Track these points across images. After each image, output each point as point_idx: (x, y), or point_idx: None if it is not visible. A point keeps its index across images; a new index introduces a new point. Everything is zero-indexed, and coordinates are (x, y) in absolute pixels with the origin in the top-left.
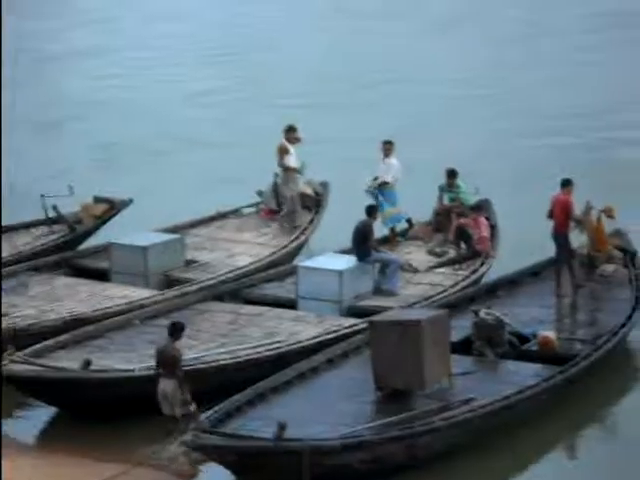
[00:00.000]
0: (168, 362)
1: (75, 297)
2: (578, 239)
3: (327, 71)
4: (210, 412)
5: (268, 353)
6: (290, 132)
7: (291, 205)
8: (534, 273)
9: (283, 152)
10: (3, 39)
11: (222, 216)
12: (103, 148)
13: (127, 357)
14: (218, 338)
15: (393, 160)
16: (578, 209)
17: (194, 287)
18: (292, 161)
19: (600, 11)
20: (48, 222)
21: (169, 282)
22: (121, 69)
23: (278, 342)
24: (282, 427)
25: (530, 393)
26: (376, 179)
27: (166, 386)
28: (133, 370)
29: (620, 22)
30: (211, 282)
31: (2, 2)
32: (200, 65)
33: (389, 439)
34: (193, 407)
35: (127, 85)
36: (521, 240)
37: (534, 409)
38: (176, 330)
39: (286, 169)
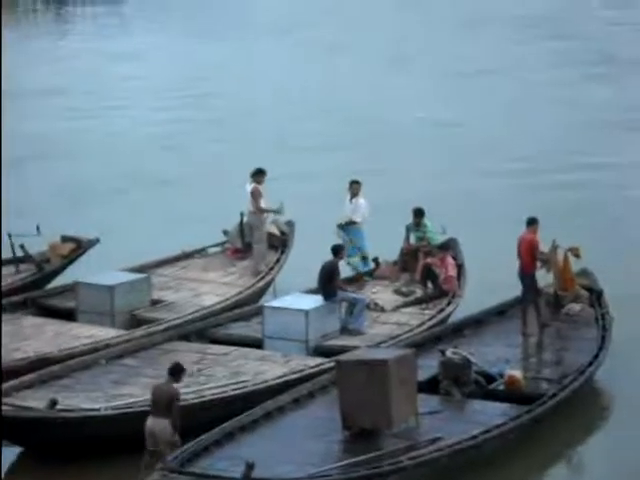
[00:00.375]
0: (163, 401)
1: (41, 337)
2: (544, 278)
3: (287, 110)
4: (177, 452)
5: (234, 392)
6: (260, 175)
7: (262, 250)
8: (500, 312)
9: (258, 196)
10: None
11: (187, 256)
12: (65, 187)
13: (93, 397)
14: (185, 378)
15: (361, 200)
16: (545, 248)
17: (160, 327)
18: (263, 204)
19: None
20: (15, 261)
21: (135, 322)
22: (80, 109)
23: (244, 382)
24: (250, 467)
25: (497, 432)
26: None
27: (155, 425)
28: (99, 409)
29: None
30: (177, 322)
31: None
32: (159, 104)
33: (357, 478)
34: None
35: (86, 124)
36: (488, 279)
37: (501, 448)
38: (177, 371)
39: (261, 211)
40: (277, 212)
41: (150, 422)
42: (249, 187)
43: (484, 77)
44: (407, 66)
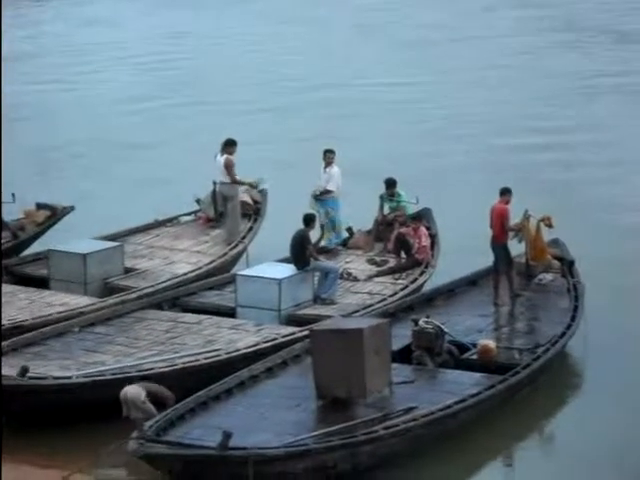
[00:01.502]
0: None
1: (14, 305)
2: (516, 248)
3: (260, 77)
4: (153, 420)
5: (206, 361)
6: (231, 146)
7: (236, 220)
8: (472, 282)
9: (232, 167)
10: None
11: (160, 224)
12: (38, 153)
13: (65, 364)
14: (156, 346)
15: (335, 168)
16: (517, 218)
17: (133, 295)
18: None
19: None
20: None
21: (108, 290)
22: (52, 74)
23: (216, 350)
24: (228, 436)
25: (472, 402)
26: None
27: (128, 391)
28: (70, 377)
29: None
30: (150, 290)
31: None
32: (131, 71)
33: (333, 447)
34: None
35: (58, 89)
36: (461, 249)
37: (475, 418)
38: None
39: (236, 183)
40: (253, 186)
41: (124, 389)
42: (221, 158)
43: (449, 45)
44: (373, 35)
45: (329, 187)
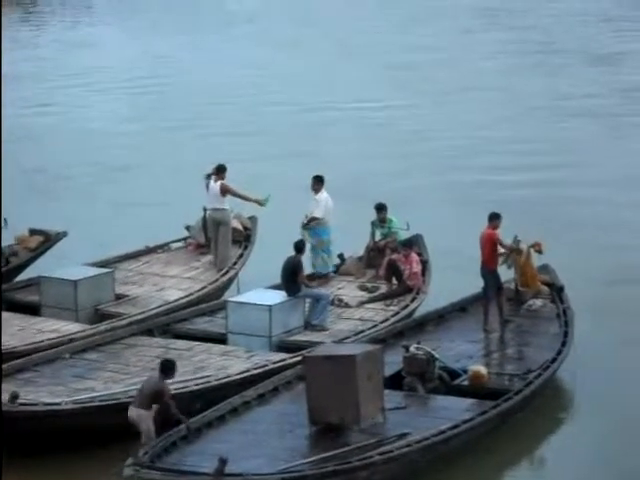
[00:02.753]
0: (148, 394)
1: (6, 331)
2: (506, 274)
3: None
4: (147, 447)
5: (196, 387)
6: (223, 171)
7: (227, 246)
8: (461, 308)
9: (230, 189)
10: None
11: (151, 250)
12: (29, 176)
13: (55, 391)
14: (146, 373)
15: (322, 194)
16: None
17: (124, 321)
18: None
19: None
20: None
21: (99, 316)
22: (42, 97)
23: (207, 377)
24: (223, 462)
25: (465, 427)
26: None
27: (133, 414)
28: (60, 404)
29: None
30: (141, 316)
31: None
32: (118, 96)
33: (328, 474)
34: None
35: (47, 112)
36: (453, 275)
37: (468, 444)
38: (167, 368)
39: (246, 199)
40: (260, 203)
41: (130, 411)
42: (215, 185)
43: (429, 67)
44: (356, 58)
45: (315, 214)
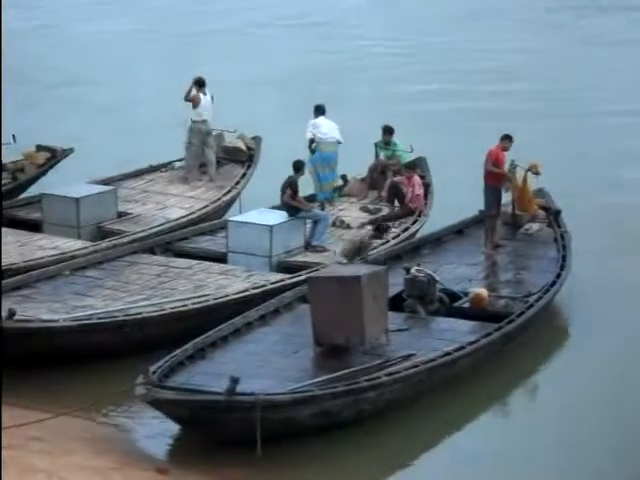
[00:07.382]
0: None
1: (6, 247)
2: (503, 197)
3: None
4: (154, 366)
5: (194, 306)
6: (204, 85)
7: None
8: (458, 231)
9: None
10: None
11: (154, 169)
12: (33, 86)
13: (54, 307)
14: (146, 291)
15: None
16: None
17: (125, 239)
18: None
19: None
20: None
21: (101, 234)
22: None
23: (205, 296)
24: (235, 381)
25: (470, 349)
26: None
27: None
28: (57, 320)
29: None
30: (142, 234)
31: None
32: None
33: (338, 394)
34: None
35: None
36: (455, 198)
37: (472, 365)
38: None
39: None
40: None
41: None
42: (208, 97)
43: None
44: None
45: (340, 138)
